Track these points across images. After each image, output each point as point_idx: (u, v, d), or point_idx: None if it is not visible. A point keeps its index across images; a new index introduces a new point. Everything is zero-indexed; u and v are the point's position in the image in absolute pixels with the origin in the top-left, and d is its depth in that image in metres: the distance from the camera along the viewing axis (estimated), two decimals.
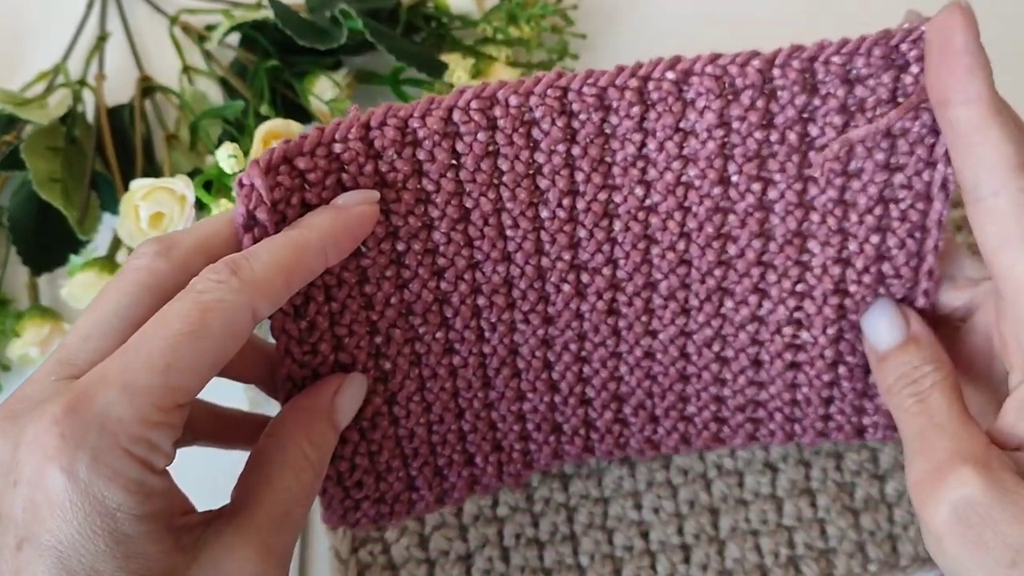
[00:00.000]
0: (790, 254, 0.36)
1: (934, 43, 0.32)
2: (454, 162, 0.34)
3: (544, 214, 0.36)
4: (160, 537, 0.28)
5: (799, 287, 0.37)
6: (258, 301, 0.29)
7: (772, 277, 0.37)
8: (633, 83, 0.34)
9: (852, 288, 0.37)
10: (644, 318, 0.38)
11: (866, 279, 0.36)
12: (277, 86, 0.53)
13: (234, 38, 0.56)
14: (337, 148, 0.33)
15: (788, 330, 0.38)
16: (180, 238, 0.31)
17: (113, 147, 0.53)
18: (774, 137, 0.34)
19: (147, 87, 0.56)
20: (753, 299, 0.38)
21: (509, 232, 0.36)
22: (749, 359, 0.39)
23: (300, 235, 0.31)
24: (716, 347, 0.39)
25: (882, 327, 0.36)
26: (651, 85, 0.34)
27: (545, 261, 0.36)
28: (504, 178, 0.35)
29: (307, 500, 0.32)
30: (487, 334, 0.38)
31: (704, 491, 0.45)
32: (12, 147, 0.50)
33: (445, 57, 0.53)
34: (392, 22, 0.54)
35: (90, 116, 0.55)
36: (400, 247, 0.35)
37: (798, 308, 0.38)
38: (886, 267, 0.36)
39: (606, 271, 0.37)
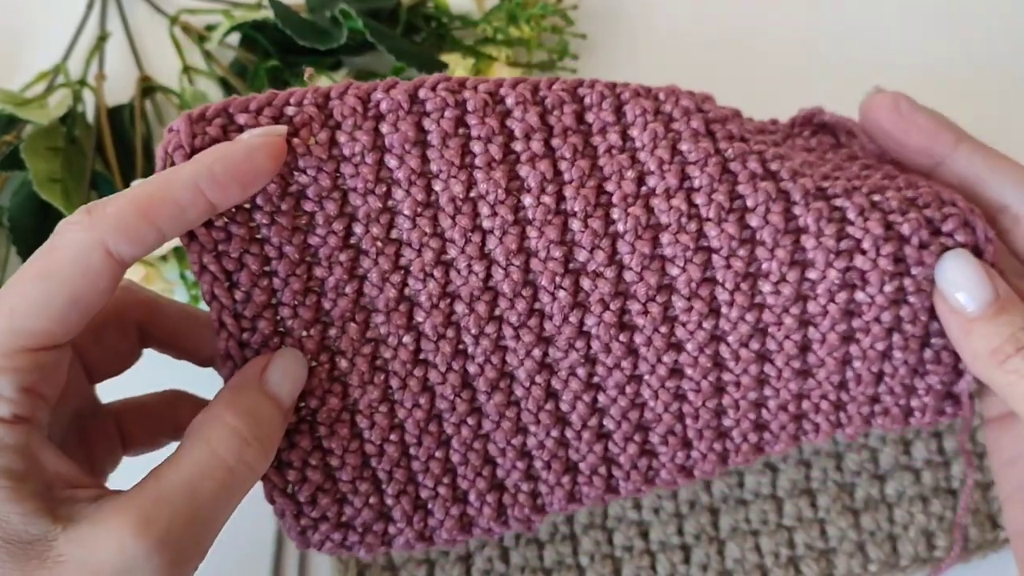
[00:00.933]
0: (821, 210, 0.32)
1: (884, 123, 0.34)
2: (420, 139, 0.32)
3: (527, 202, 0.32)
4: (18, 498, 0.27)
5: (844, 244, 0.33)
6: (109, 235, 0.28)
7: (809, 242, 0.33)
8: (602, 81, 0.33)
9: (905, 230, 0.32)
10: (664, 328, 0.33)
11: (913, 215, 0.32)
12: (277, 86, 0.53)
13: (234, 38, 0.56)
14: (290, 111, 0.31)
15: (843, 296, 0.33)
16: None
17: (113, 147, 0.53)
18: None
19: (147, 87, 0.56)
20: (793, 274, 0.33)
21: (486, 223, 0.32)
22: (797, 346, 0.34)
23: (170, 170, 0.29)
24: (755, 344, 0.34)
25: (969, 286, 0.33)
26: (618, 89, 0.33)
27: (534, 263, 0.33)
28: (476, 160, 0.32)
29: (225, 474, 0.29)
30: (469, 349, 0.33)
31: (704, 491, 0.45)
32: (12, 147, 0.50)
33: (445, 57, 0.52)
34: (392, 22, 0.54)
35: (90, 116, 0.55)
36: (357, 229, 0.32)
37: (849, 268, 0.33)
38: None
39: (609, 273, 0.33)
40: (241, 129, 0.31)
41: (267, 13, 0.53)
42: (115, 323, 0.35)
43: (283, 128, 0.31)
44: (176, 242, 0.47)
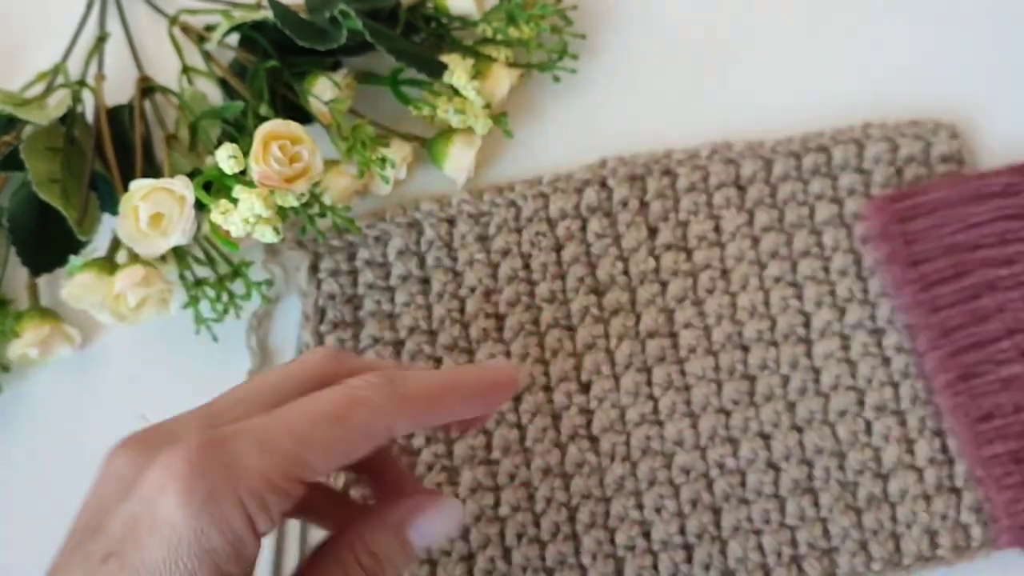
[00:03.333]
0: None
1: None
2: None
3: None
4: None
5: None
6: (398, 414, 0.30)
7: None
8: None
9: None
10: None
11: None
12: (277, 87, 0.53)
13: (234, 38, 0.55)
14: None
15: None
16: (351, 358, 0.34)
17: (113, 147, 0.52)
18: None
19: (147, 87, 0.56)
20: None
21: None
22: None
23: (457, 375, 0.33)
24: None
25: None
26: None
27: None
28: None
29: None
30: None
31: (706, 490, 0.45)
32: (12, 147, 0.50)
33: (445, 57, 0.52)
34: (392, 22, 0.54)
35: (90, 116, 0.55)
36: None
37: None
38: None
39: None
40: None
41: (267, 13, 0.53)
42: None
43: (517, 371, 0.40)
44: (175, 241, 0.47)
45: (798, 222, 0.48)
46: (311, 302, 0.48)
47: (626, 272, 0.47)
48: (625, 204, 0.47)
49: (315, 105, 0.52)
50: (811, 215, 0.48)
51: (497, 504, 0.45)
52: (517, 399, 0.45)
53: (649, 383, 0.46)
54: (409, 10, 0.55)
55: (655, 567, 0.45)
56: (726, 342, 0.46)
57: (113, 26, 0.58)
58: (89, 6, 0.58)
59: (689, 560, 0.45)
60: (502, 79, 0.53)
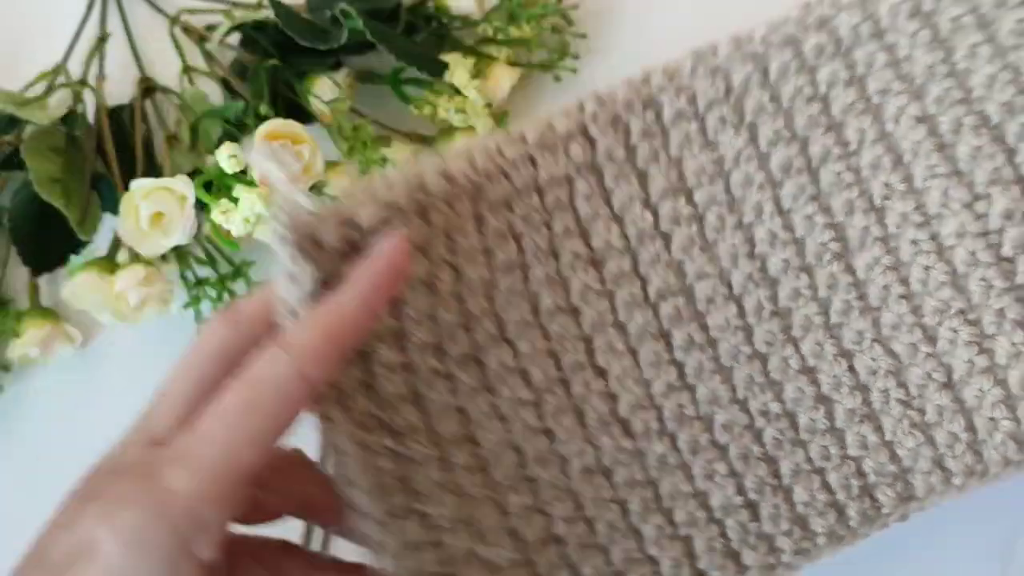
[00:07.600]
0: None
1: None
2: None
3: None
4: None
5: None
6: (307, 367, 0.30)
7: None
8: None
9: None
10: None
11: None
12: (277, 86, 0.53)
13: (235, 38, 0.55)
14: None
15: None
16: (243, 305, 0.33)
17: (113, 147, 0.52)
18: None
19: (147, 87, 0.56)
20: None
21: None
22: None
23: (338, 296, 0.32)
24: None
25: None
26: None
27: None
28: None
29: None
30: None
31: (755, 442, 0.41)
32: (12, 147, 0.50)
33: (445, 57, 0.52)
34: (392, 22, 0.54)
35: (91, 116, 0.55)
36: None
37: None
38: None
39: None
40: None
41: (267, 13, 0.53)
42: None
43: (400, 231, 0.34)
44: (175, 241, 0.47)
45: (810, 122, 0.40)
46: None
47: (623, 234, 0.40)
48: (611, 156, 0.40)
49: (316, 105, 0.52)
50: (825, 109, 0.40)
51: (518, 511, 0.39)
52: (538, 404, 0.39)
53: (669, 348, 0.40)
54: (410, 9, 0.55)
55: (724, 535, 0.40)
56: (747, 282, 0.40)
57: (114, 26, 0.58)
58: (90, 6, 0.58)
59: (756, 518, 0.41)
60: (503, 79, 0.53)
